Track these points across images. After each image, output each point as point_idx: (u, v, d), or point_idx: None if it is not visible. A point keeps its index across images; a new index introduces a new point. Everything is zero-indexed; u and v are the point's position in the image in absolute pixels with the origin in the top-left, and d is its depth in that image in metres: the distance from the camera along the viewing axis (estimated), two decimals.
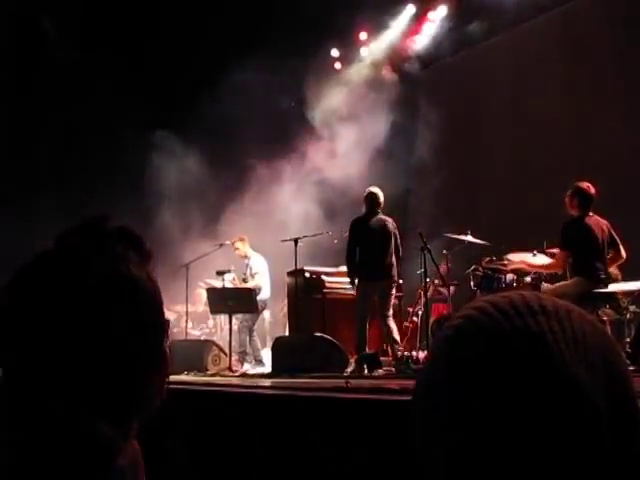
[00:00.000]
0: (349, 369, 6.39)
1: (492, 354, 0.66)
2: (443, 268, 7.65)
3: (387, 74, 11.27)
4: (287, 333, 8.40)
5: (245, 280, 8.72)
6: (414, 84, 11.91)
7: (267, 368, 7.88)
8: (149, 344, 0.94)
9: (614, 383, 0.66)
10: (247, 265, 8.81)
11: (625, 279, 6.57)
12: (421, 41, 11.22)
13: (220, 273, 8.58)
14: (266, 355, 8.22)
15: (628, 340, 6.05)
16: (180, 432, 4.18)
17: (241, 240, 8.84)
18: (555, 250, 6.58)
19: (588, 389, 0.64)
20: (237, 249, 8.80)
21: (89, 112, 9.90)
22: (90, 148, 10.37)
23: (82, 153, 10.40)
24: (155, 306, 0.96)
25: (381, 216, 7.01)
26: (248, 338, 8.37)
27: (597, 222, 5.99)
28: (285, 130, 10.85)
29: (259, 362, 8.36)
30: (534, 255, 6.63)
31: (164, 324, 0.98)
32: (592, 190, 5.95)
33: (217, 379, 6.67)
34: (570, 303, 0.72)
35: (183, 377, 6.86)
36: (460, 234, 7.61)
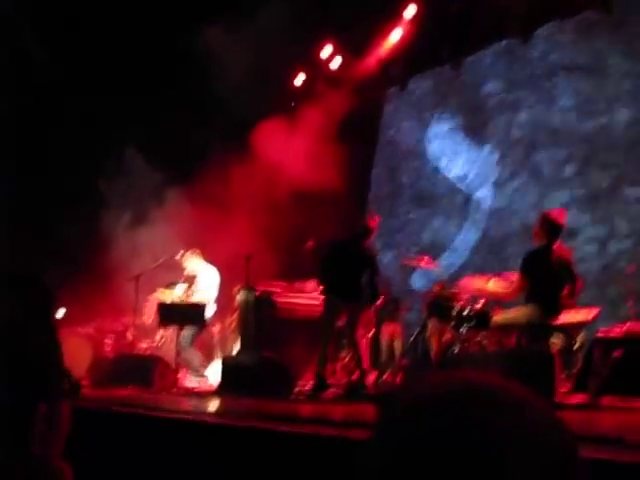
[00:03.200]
0: (297, 389, 6.32)
1: (436, 446, 0.64)
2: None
3: (350, 91, 11.27)
4: (236, 349, 8.25)
5: (193, 293, 8.47)
6: (377, 102, 11.99)
7: (211, 382, 7.72)
8: None
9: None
10: (196, 278, 8.54)
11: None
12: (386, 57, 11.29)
13: (170, 285, 8.37)
14: (215, 368, 8.03)
15: (575, 371, 6.07)
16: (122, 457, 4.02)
17: (192, 253, 8.56)
18: (514, 276, 6.57)
19: None
20: (186, 262, 8.52)
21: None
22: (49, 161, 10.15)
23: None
24: None
25: (359, 242, 6.84)
26: (192, 352, 8.12)
27: (560, 252, 5.91)
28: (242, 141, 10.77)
29: (202, 376, 8.12)
30: (488, 280, 6.60)
31: None
32: (561, 219, 5.87)
33: (163, 397, 6.53)
34: (524, 389, 0.70)
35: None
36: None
